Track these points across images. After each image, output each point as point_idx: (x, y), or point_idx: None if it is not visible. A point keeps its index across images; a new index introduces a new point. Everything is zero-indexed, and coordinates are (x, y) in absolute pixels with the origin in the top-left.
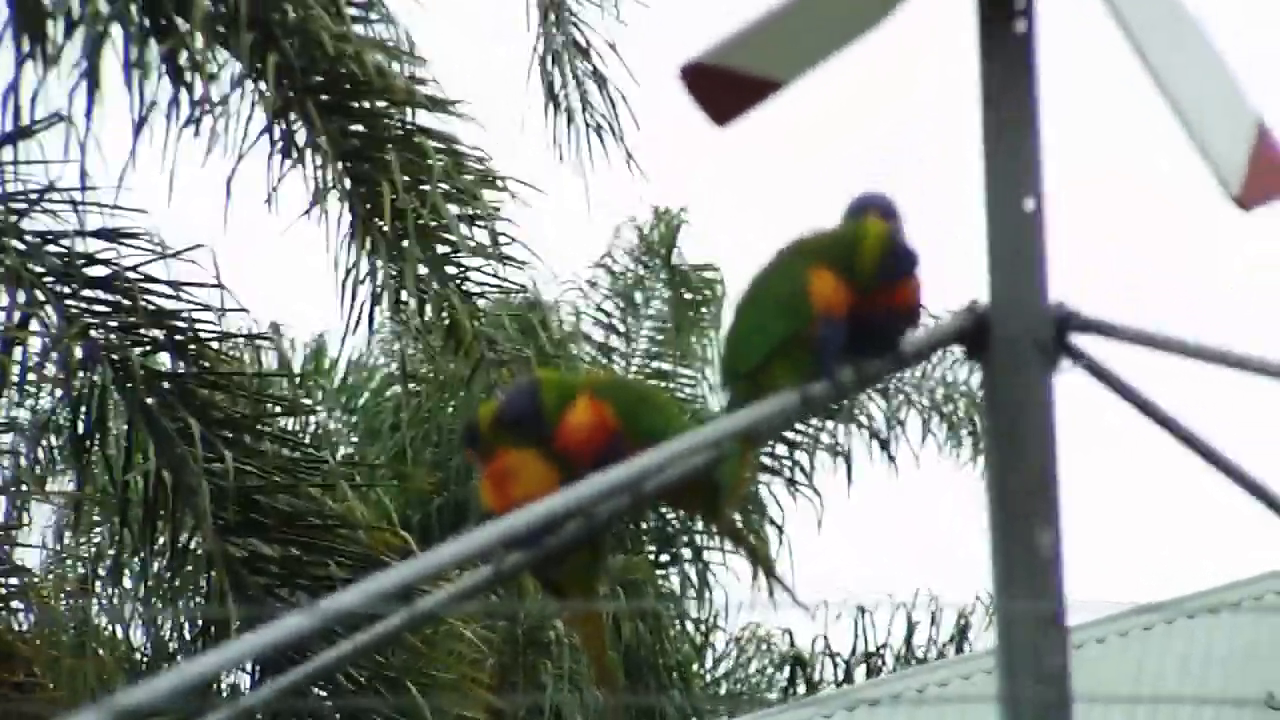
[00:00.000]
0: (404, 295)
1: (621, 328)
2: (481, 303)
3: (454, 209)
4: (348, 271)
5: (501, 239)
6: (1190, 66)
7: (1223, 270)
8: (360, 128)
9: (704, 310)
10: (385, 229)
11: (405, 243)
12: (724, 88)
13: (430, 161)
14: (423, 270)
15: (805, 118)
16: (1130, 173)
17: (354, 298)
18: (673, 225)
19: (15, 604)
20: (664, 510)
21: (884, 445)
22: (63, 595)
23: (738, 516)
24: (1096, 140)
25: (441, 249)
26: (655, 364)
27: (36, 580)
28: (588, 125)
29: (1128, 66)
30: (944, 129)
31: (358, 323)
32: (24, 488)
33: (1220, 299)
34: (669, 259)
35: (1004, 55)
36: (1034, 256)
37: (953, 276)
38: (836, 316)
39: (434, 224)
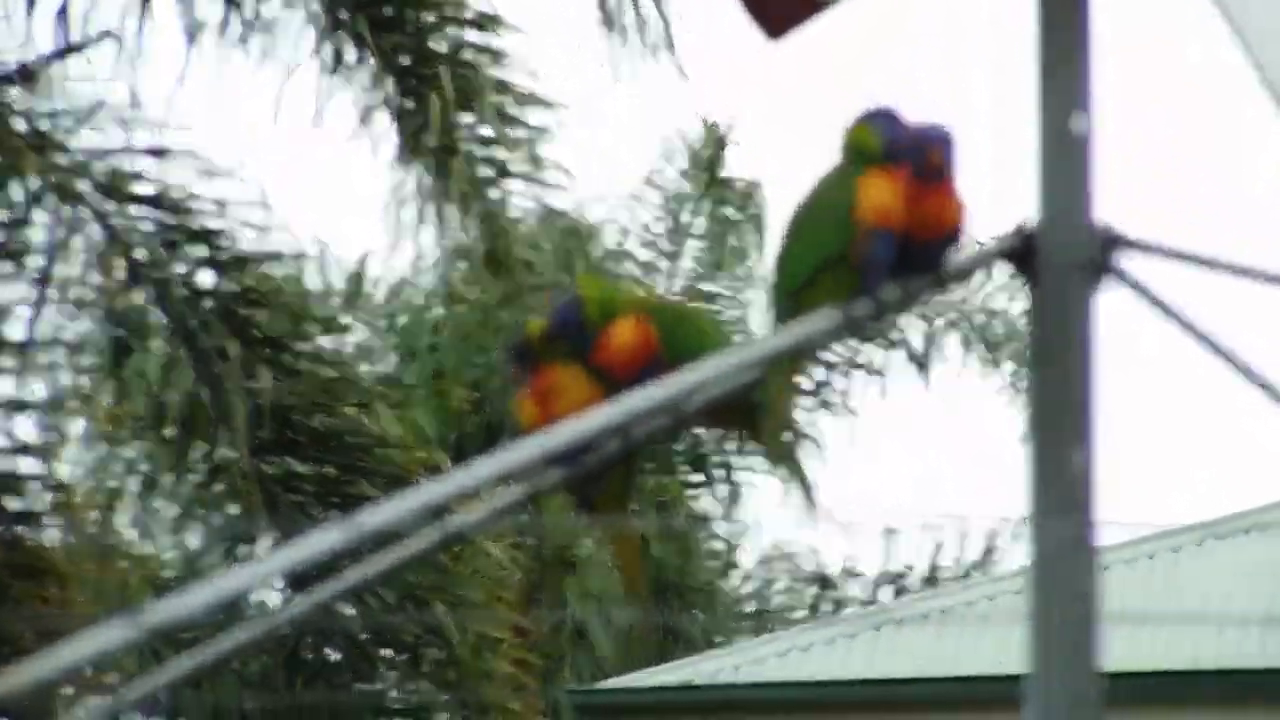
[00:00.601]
0: (448, 215)
1: (668, 246)
2: (524, 225)
3: (501, 129)
4: (393, 191)
5: (548, 160)
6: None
7: (1262, 190)
8: (410, 44)
9: (749, 227)
10: (432, 146)
11: (452, 161)
12: (778, 2)
13: (478, 79)
14: (467, 188)
15: (861, 35)
16: (1178, 96)
17: (398, 217)
18: (719, 138)
19: (50, 520)
20: (698, 431)
21: (921, 366)
22: (97, 511)
23: (784, 436)
24: (1146, 64)
25: (486, 171)
26: (701, 284)
27: (73, 497)
28: (643, 43)
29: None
30: (996, 50)
31: (400, 242)
32: (62, 405)
33: (1260, 219)
34: (715, 172)
35: None
36: (1082, 178)
37: (1002, 199)
38: (887, 229)
39: (480, 145)
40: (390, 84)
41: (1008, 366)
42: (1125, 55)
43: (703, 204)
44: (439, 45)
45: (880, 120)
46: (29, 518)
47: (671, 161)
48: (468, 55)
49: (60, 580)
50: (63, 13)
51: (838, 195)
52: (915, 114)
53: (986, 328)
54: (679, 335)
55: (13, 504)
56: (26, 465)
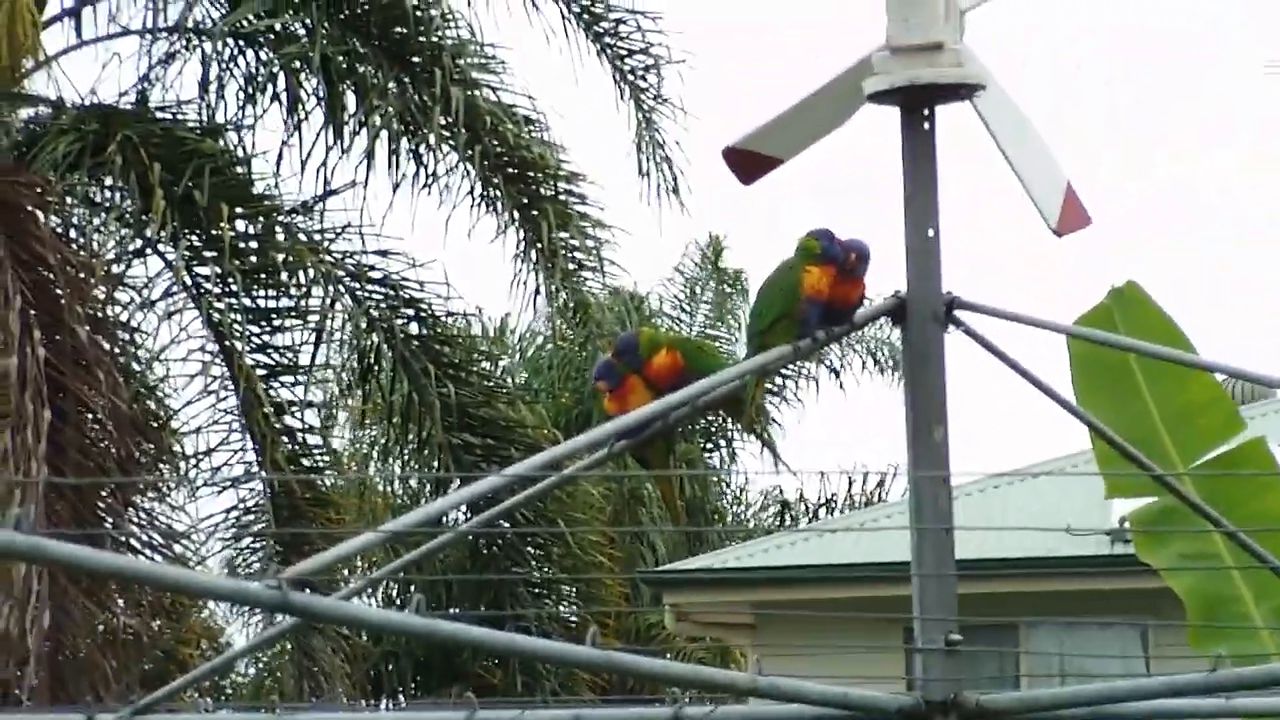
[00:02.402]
0: (552, 291)
1: (688, 307)
2: (595, 299)
3: (583, 241)
4: (516, 275)
5: (607, 260)
6: (1027, 148)
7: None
8: (529, 192)
9: (737, 299)
10: (542, 249)
11: (554, 260)
12: (748, 162)
13: (569, 211)
14: (560, 277)
15: (801, 185)
16: (1007, 206)
17: (520, 291)
18: (719, 245)
19: (328, 472)
20: (709, 416)
21: (837, 375)
22: (354, 466)
23: (757, 419)
24: (984, 186)
25: (571, 266)
26: (708, 332)
27: (341, 459)
28: (668, 190)
29: (992, 151)
30: (886, 187)
31: (524, 307)
32: (333, 403)
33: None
34: (717, 266)
35: (917, 144)
36: (934, 263)
37: (885, 276)
38: (816, 299)
39: (568, 250)
40: (515, 214)
41: (892, 376)
42: (972, 180)
43: (709, 284)
44: (547, 191)
45: (821, 235)
46: (316, 470)
47: (689, 255)
48: (562, 197)
49: (335, 508)
50: (323, 168)
51: (789, 276)
52: (843, 231)
53: (880, 352)
54: (697, 360)
55: (305, 462)
56: (313, 439)
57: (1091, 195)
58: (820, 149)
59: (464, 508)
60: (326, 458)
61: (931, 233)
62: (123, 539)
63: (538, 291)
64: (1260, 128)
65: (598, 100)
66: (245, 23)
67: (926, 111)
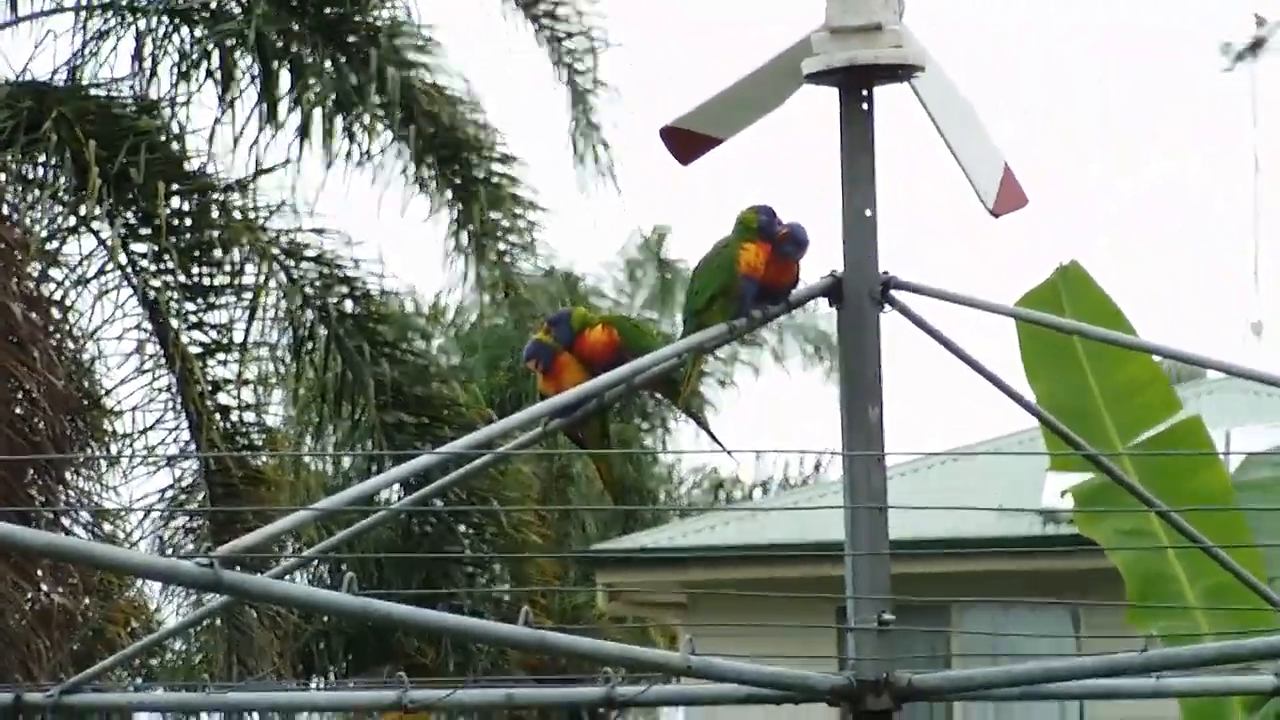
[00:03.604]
0: (482, 271)
1: (628, 289)
2: (532, 279)
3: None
4: (449, 256)
5: (541, 242)
6: (965, 130)
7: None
8: (462, 172)
9: (676, 283)
10: (474, 229)
11: (484, 240)
12: (686, 141)
13: (502, 192)
14: (493, 258)
15: (744, 163)
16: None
17: (453, 271)
18: (663, 234)
19: (263, 451)
20: (645, 395)
21: (777, 359)
22: (287, 445)
23: (691, 399)
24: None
25: (503, 247)
26: (646, 313)
27: (276, 436)
28: (598, 173)
29: (929, 129)
30: (822, 168)
31: (456, 286)
32: (267, 381)
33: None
34: (659, 254)
35: (855, 125)
36: (870, 243)
37: (822, 258)
38: (753, 276)
39: (503, 231)
40: (448, 194)
41: (829, 361)
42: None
43: (649, 269)
44: (480, 173)
45: (762, 210)
46: (251, 448)
47: (631, 240)
48: (495, 179)
49: (269, 485)
50: (255, 145)
51: (725, 254)
52: (784, 212)
53: (816, 339)
54: (633, 338)
55: (242, 441)
56: (249, 416)
57: (1030, 176)
58: (758, 129)
59: (397, 486)
60: (262, 436)
61: (869, 213)
62: (54, 516)
63: (467, 271)
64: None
65: (536, 84)
66: None
67: (865, 92)
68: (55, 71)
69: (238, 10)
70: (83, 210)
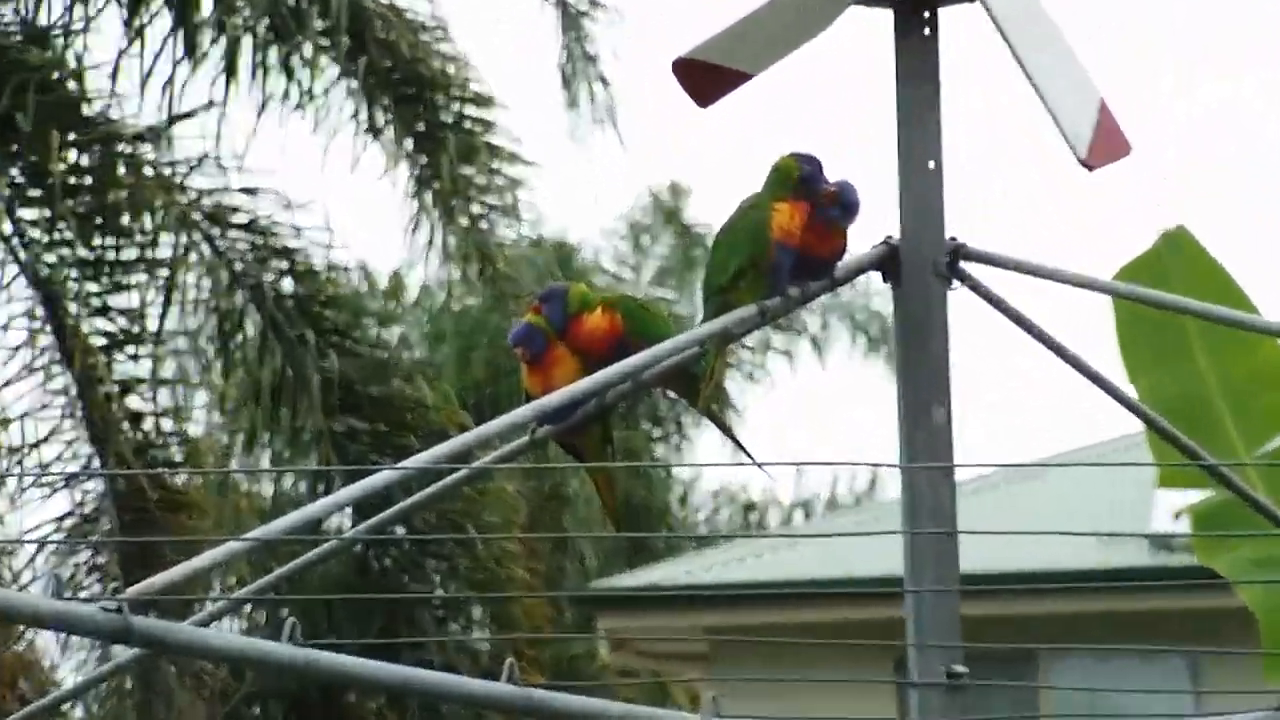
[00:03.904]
0: (452, 241)
1: (633, 261)
2: (513, 249)
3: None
4: (411, 221)
5: (525, 201)
6: (1052, 59)
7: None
8: (424, 115)
9: (695, 255)
10: (441, 187)
11: (454, 201)
12: (705, 78)
13: (474, 142)
14: (465, 223)
15: (776, 105)
16: (1018, 137)
17: (416, 240)
18: (682, 193)
19: (184, 468)
20: (656, 394)
21: (818, 349)
22: (213, 460)
23: (712, 399)
24: (993, 113)
25: (478, 209)
26: (656, 292)
27: (199, 448)
28: (595, 119)
29: (1007, 62)
30: (873, 110)
31: (419, 259)
32: (187, 379)
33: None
34: (679, 218)
35: (915, 54)
36: (934, 203)
37: (871, 220)
38: (789, 244)
39: (476, 190)
40: (409, 144)
41: (884, 350)
42: (980, 104)
43: (661, 235)
44: (448, 117)
45: (805, 160)
46: (169, 464)
47: (638, 202)
48: (467, 124)
49: (192, 511)
50: (169, 86)
51: (753, 216)
52: (833, 169)
53: (868, 323)
54: (640, 323)
55: (158, 454)
56: (166, 425)
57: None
58: (794, 62)
59: (350, 510)
60: (183, 449)
61: (932, 165)
62: None
63: (432, 241)
64: None
65: (519, 3)
66: None
67: (927, 14)
68: None
69: None
70: None
